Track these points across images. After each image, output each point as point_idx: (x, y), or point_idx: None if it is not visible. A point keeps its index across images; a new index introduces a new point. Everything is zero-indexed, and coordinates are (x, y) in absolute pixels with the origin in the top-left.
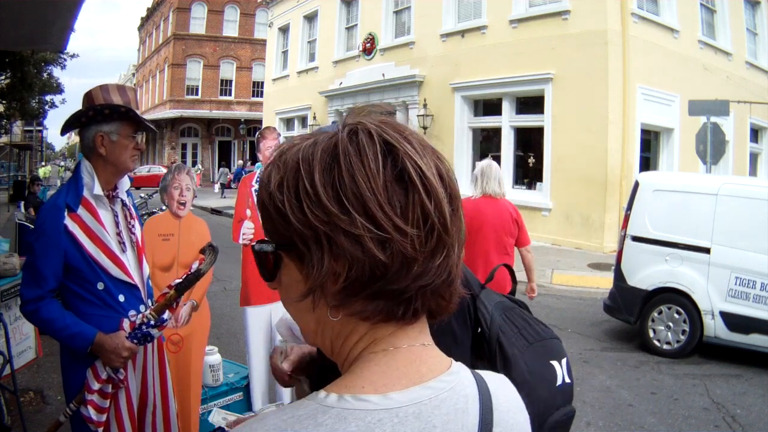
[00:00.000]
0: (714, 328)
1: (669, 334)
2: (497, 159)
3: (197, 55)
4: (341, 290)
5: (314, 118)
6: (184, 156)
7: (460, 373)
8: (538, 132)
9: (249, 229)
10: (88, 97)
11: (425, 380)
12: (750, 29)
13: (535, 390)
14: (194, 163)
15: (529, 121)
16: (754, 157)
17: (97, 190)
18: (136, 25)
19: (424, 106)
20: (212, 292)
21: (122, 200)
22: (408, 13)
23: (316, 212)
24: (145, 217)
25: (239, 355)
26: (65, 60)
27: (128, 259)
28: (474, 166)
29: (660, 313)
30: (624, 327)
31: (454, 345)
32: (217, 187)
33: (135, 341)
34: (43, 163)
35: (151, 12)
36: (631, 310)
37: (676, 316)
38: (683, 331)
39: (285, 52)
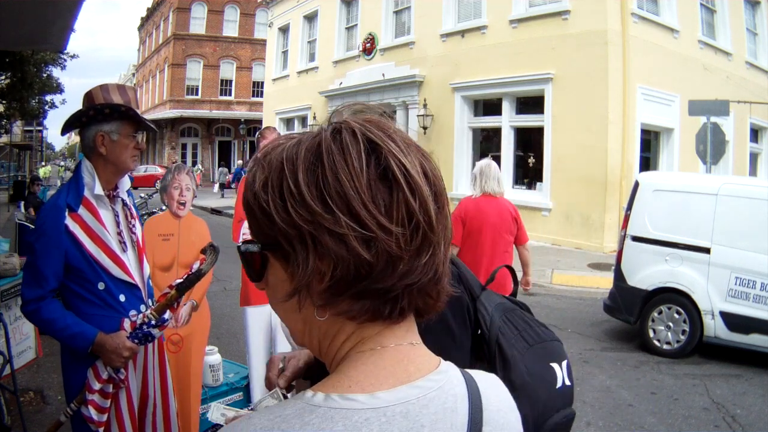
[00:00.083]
0: (714, 328)
1: (669, 334)
2: (497, 159)
3: (197, 55)
4: (327, 289)
5: (314, 118)
6: (184, 156)
7: (448, 372)
8: (538, 132)
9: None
10: (89, 96)
11: (413, 379)
12: (750, 29)
13: (535, 392)
14: (194, 163)
15: (529, 121)
16: (754, 157)
17: (98, 189)
18: (136, 25)
19: (424, 106)
20: (212, 292)
21: (123, 200)
22: (408, 13)
23: (300, 212)
24: (145, 217)
25: (239, 355)
26: (65, 60)
27: (129, 258)
28: (474, 166)
29: (660, 313)
30: (624, 327)
31: (453, 346)
32: (216, 187)
33: (136, 341)
34: (43, 163)
35: (151, 12)
36: (631, 310)
37: (676, 316)
38: (683, 331)
39: (285, 52)
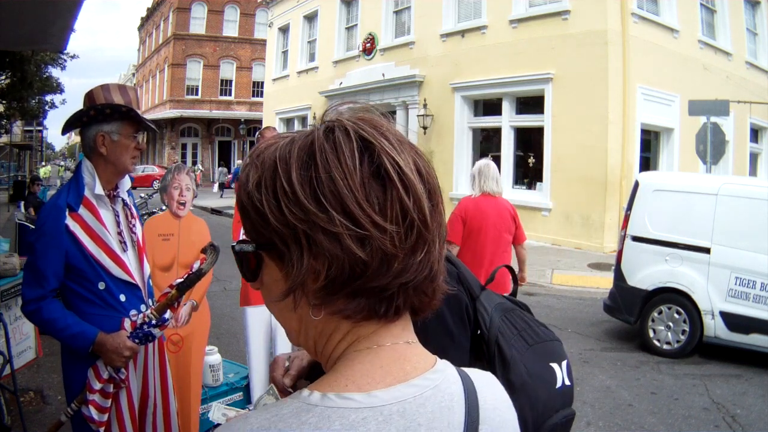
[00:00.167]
0: (714, 328)
1: (669, 334)
2: (497, 159)
3: (197, 55)
4: (322, 288)
5: (314, 118)
6: (184, 156)
7: (445, 371)
8: (538, 132)
9: None
10: (90, 96)
11: (409, 378)
12: (750, 29)
13: (535, 392)
14: (194, 163)
15: (529, 121)
16: (754, 157)
17: (98, 189)
18: (136, 25)
19: (424, 106)
20: (212, 292)
21: (123, 200)
22: (408, 13)
23: (294, 211)
24: (145, 217)
25: (239, 355)
26: (65, 60)
27: (129, 258)
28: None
29: (660, 313)
30: (624, 327)
31: (451, 346)
32: (215, 186)
33: (136, 341)
34: (43, 163)
35: (151, 12)
36: (631, 310)
37: (676, 316)
38: (683, 331)
39: (285, 52)
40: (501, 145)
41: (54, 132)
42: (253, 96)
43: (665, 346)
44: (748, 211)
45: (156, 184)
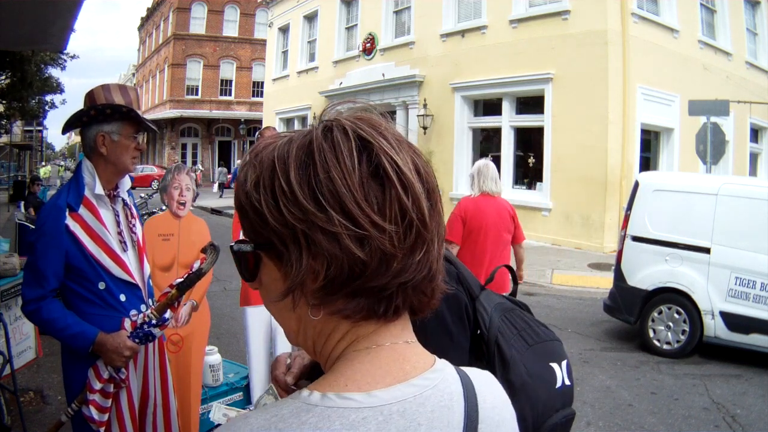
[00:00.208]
0: (714, 328)
1: (669, 334)
2: (497, 159)
3: (197, 55)
4: (321, 288)
5: (314, 118)
6: (184, 156)
7: (444, 371)
8: (538, 132)
9: None
10: (90, 96)
11: (409, 378)
12: (750, 29)
13: (535, 392)
14: (194, 163)
15: (529, 121)
16: (754, 157)
17: (99, 189)
18: (136, 25)
19: (424, 106)
20: (212, 292)
21: (123, 199)
22: (408, 13)
23: (292, 211)
24: (145, 217)
25: (239, 355)
26: (65, 61)
27: (129, 258)
28: None
29: (660, 313)
30: (624, 327)
31: (450, 346)
32: (215, 186)
33: (137, 340)
34: (43, 163)
35: (151, 12)
36: (631, 310)
37: (676, 316)
38: (683, 331)
39: (285, 52)
40: (501, 145)
41: (54, 132)
42: (253, 96)
43: (665, 346)
44: (748, 211)
45: (155, 185)
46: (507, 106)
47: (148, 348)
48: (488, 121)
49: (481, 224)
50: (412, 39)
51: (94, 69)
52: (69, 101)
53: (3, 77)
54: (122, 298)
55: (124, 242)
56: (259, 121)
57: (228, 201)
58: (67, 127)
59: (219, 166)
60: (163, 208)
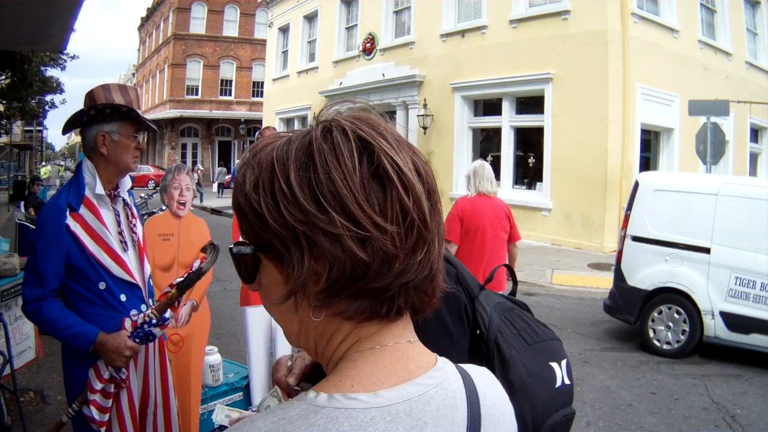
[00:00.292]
0: (714, 328)
1: (669, 334)
2: (497, 159)
3: (197, 55)
4: (323, 290)
5: (314, 118)
6: (184, 156)
7: (446, 369)
8: (538, 132)
9: None
10: (90, 96)
11: (413, 377)
12: (750, 29)
13: (534, 391)
14: (194, 163)
15: (529, 121)
16: (754, 157)
17: (99, 189)
18: (136, 25)
19: (424, 106)
20: (212, 292)
21: (124, 199)
22: (408, 13)
23: (293, 212)
24: (145, 217)
25: (239, 355)
26: (65, 61)
27: (130, 258)
28: None
29: (660, 313)
30: (624, 327)
31: (450, 346)
32: (215, 186)
33: (137, 340)
34: (43, 163)
35: (151, 12)
36: (631, 310)
37: (676, 316)
38: (683, 331)
39: (285, 52)
40: (501, 145)
41: (54, 132)
42: (253, 96)
43: (665, 346)
44: (748, 211)
45: (151, 185)
46: (507, 106)
47: (149, 348)
48: (488, 121)
49: (479, 224)
50: (412, 39)
51: (94, 69)
52: (69, 101)
53: (3, 77)
54: (123, 298)
55: (125, 242)
56: (259, 121)
57: (228, 201)
58: (68, 127)
59: (219, 167)
60: (163, 208)
